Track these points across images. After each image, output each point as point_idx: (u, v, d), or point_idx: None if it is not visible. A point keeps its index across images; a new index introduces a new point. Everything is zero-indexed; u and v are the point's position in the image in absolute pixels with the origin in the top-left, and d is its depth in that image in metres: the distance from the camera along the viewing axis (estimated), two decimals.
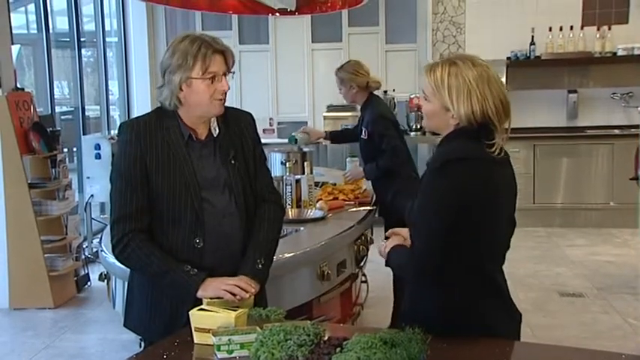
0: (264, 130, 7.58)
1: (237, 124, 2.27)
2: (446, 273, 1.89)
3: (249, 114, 2.37)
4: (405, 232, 2.10)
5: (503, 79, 6.19)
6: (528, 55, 7.34)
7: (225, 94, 2.16)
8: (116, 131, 2.21)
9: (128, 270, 2.32)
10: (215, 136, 2.22)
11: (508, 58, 7.31)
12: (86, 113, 7.02)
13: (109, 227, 3.48)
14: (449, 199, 1.84)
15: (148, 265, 2.11)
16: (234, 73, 2.20)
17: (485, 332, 1.89)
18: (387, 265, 2.06)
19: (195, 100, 2.13)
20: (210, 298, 1.99)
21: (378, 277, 4.26)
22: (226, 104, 2.33)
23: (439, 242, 1.84)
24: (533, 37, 7.30)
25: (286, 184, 3.65)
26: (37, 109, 5.32)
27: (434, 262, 1.87)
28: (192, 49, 2.09)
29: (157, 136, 2.14)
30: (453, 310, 1.91)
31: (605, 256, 6.08)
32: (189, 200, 2.13)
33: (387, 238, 2.15)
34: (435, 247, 1.85)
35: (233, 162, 2.21)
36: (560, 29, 7.27)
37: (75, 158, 6.88)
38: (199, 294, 2.05)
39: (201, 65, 2.09)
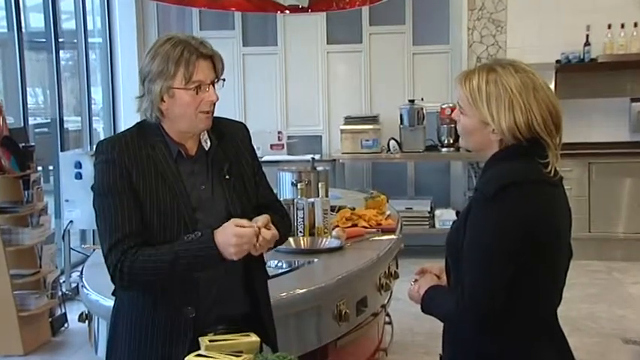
0: (271, 146, 7.63)
1: (230, 136, 2.32)
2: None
3: (243, 124, 2.43)
4: (437, 269, 2.10)
5: (552, 87, 6.17)
6: (582, 57, 7.32)
7: (214, 105, 2.19)
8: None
9: (111, 308, 2.33)
10: (207, 149, 2.26)
11: (558, 62, 7.29)
12: (65, 126, 7.08)
13: (91, 259, 3.51)
14: (510, 232, 1.82)
15: (154, 269, 2.09)
16: (224, 80, 2.23)
17: None
18: (422, 311, 2.04)
19: (178, 113, 2.16)
20: (210, 341, 1.99)
21: (403, 317, 4.25)
22: (228, 116, 2.38)
23: (501, 284, 1.81)
24: (588, 36, 7.28)
25: (297, 209, 3.66)
26: (7, 121, 5.39)
27: (496, 308, 1.82)
28: (174, 53, 2.12)
29: (141, 155, 2.17)
30: (502, 356, 1.90)
31: None
32: (182, 224, 2.16)
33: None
34: (496, 290, 1.82)
35: (228, 177, 2.25)
36: (622, 26, 7.24)
37: (51, 178, 6.94)
38: (229, 257, 2.05)
39: (184, 73, 2.12)
